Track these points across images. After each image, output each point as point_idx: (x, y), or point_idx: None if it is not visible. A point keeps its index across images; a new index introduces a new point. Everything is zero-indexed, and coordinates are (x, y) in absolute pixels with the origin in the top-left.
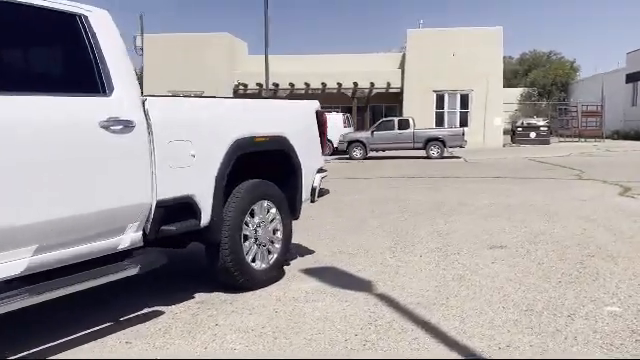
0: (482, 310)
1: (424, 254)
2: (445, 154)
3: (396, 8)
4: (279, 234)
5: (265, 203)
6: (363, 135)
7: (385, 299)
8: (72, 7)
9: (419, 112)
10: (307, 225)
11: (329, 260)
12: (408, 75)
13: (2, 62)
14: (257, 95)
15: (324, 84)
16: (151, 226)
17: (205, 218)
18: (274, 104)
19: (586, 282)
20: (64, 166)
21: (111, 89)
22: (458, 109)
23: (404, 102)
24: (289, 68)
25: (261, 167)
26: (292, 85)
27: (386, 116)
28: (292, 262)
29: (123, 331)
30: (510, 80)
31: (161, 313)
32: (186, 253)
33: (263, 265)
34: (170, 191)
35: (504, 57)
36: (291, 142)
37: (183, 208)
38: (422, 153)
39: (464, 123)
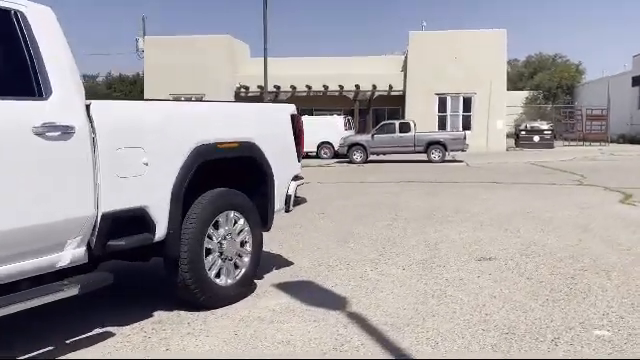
0: (459, 333)
1: (408, 266)
2: (447, 158)
3: (400, 11)
4: (248, 247)
5: (232, 214)
6: (364, 138)
7: (357, 319)
8: (5, 2)
9: (422, 115)
10: (293, 232)
11: (307, 273)
12: (410, 78)
13: None
14: (258, 98)
15: (326, 87)
16: (96, 241)
17: (160, 231)
18: (242, 108)
19: (576, 300)
20: None
21: (48, 92)
22: (461, 112)
23: (406, 105)
24: (291, 71)
25: (228, 175)
26: (294, 88)
27: (389, 119)
28: (267, 275)
29: (64, 356)
30: (515, 83)
31: (111, 335)
32: (157, 265)
33: (229, 281)
34: (118, 203)
35: (509, 60)
36: (261, 148)
37: (135, 221)
38: (424, 157)
39: (467, 126)
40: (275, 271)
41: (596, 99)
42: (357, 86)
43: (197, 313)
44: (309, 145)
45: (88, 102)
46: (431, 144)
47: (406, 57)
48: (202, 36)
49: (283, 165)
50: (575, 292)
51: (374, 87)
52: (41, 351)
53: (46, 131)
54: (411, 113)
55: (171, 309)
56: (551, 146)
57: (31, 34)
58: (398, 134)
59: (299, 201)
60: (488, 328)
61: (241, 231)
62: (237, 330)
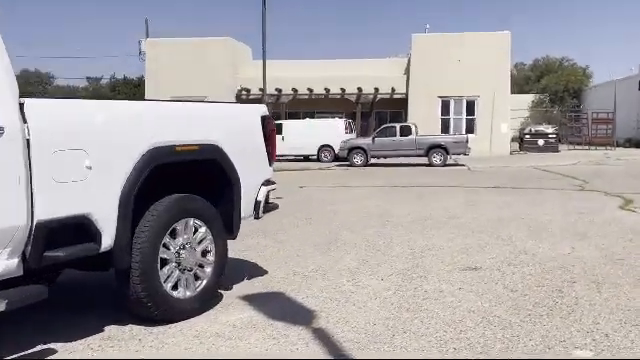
0: (428, 352)
1: (387, 277)
2: (449, 161)
3: (403, 13)
4: (210, 256)
5: (191, 221)
6: (364, 141)
7: (321, 336)
8: None
9: (424, 118)
10: (276, 238)
11: (279, 284)
12: (413, 80)
13: None
14: (259, 100)
15: (327, 89)
16: (32, 252)
17: (107, 241)
18: (204, 108)
19: (560, 315)
20: None
21: None
22: (464, 115)
23: (409, 108)
24: (292, 73)
25: (191, 180)
26: (295, 90)
27: (391, 122)
28: (236, 286)
29: None
30: (522, 86)
31: (52, 352)
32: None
33: (188, 293)
34: (56, 210)
35: (516, 63)
36: (225, 151)
37: (78, 230)
38: (425, 160)
39: (470, 130)
40: (246, 281)
41: (603, 103)
42: (359, 89)
43: (152, 328)
44: (310, 148)
45: (22, 100)
46: (432, 148)
47: (409, 60)
48: (204, 38)
49: (251, 169)
50: (560, 306)
51: (376, 90)
52: None
53: None
54: (414, 116)
55: (125, 323)
56: (556, 150)
57: None
58: (399, 137)
59: (270, 207)
60: (460, 347)
61: (202, 240)
62: (190, 347)
